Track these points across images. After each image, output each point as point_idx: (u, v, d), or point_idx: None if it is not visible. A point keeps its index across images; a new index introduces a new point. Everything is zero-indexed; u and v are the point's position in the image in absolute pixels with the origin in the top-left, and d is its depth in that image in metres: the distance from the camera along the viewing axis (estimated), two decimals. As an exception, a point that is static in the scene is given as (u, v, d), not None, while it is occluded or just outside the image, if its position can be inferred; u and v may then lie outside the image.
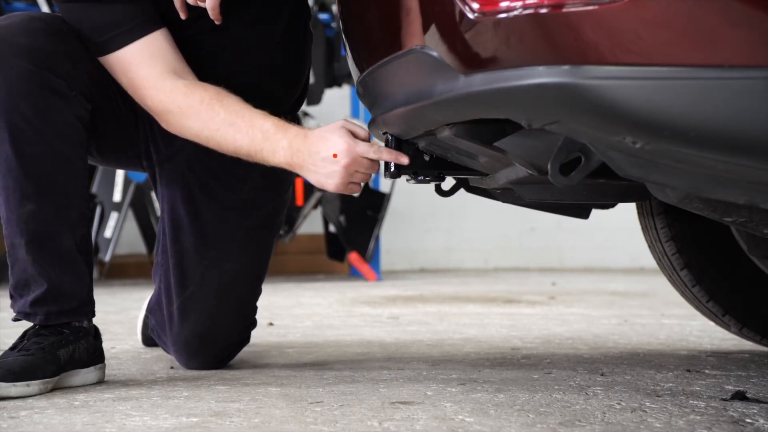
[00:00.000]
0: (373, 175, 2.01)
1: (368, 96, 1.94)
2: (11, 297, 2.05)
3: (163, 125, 2.08)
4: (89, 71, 2.06)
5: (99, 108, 2.10)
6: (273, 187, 2.28)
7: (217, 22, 2.06)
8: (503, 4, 1.45)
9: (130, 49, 2.04)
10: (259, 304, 2.36)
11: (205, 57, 2.16)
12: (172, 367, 2.31)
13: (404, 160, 1.95)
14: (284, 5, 2.22)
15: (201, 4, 2.04)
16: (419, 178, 2.05)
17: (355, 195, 1.94)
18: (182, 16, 2.07)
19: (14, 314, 2.06)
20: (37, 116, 1.98)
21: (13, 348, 2.02)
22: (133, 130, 2.21)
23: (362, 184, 2.03)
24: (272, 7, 2.20)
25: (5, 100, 1.96)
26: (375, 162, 2.00)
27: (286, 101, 2.30)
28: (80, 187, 2.05)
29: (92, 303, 2.10)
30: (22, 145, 1.97)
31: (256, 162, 2.04)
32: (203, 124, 2.03)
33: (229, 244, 2.22)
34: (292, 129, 2.01)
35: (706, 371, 2.24)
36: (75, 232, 2.04)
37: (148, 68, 2.04)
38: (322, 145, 1.98)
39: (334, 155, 1.97)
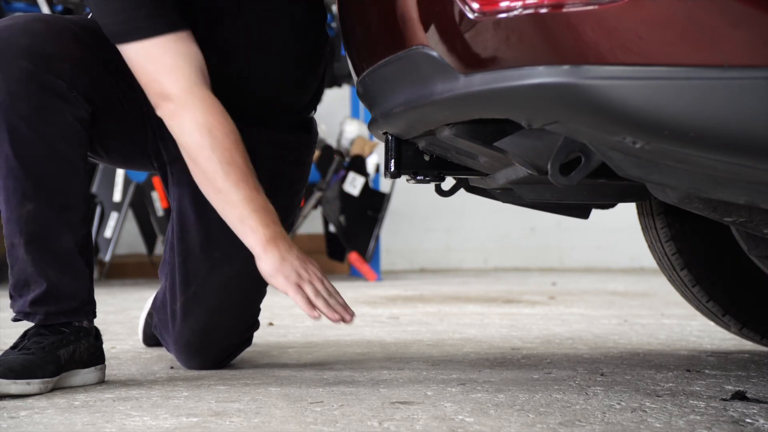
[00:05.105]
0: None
1: (368, 96, 1.94)
2: (11, 297, 2.06)
3: (159, 113, 2.05)
4: (91, 73, 2.06)
5: (102, 109, 2.10)
6: (280, 189, 2.28)
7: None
8: (503, 4, 1.45)
9: (171, 36, 2.02)
10: (260, 305, 2.36)
11: (220, 45, 2.17)
12: (172, 367, 2.31)
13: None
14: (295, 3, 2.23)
15: None
16: (419, 178, 2.05)
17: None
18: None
19: (14, 314, 2.06)
20: (37, 117, 1.98)
21: (13, 347, 2.02)
22: (140, 131, 2.21)
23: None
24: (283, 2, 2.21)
25: (5, 101, 1.97)
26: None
27: (298, 97, 2.32)
28: (80, 187, 2.06)
29: (93, 303, 2.10)
30: (21, 146, 1.98)
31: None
32: (195, 165, 2.03)
33: (234, 244, 2.21)
34: (272, 228, 2.02)
35: (706, 371, 2.24)
36: (75, 233, 2.04)
37: (182, 59, 2.02)
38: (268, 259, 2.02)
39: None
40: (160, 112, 2.05)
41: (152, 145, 2.25)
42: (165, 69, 2.01)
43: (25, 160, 1.98)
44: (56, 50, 2.01)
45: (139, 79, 2.04)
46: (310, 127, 2.39)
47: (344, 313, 1.98)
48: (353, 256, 5.88)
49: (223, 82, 2.11)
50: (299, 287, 1.99)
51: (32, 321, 2.04)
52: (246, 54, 2.21)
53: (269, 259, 2.00)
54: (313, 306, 1.98)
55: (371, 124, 1.97)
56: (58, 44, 2.02)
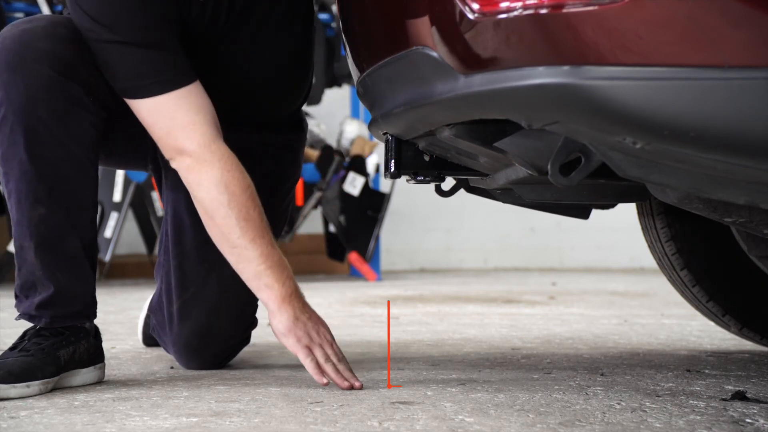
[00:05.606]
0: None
1: (368, 96, 1.95)
2: (16, 297, 2.06)
3: (174, 165, 2.04)
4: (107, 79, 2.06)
5: (113, 114, 2.10)
6: (274, 190, 2.29)
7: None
8: (503, 5, 1.45)
9: (183, 91, 2.01)
10: (260, 303, 2.36)
11: (227, 62, 2.18)
12: (172, 367, 2.31)
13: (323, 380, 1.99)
14: (300, 8, 2.25)
15: None
16: (419, 178, 2.05)
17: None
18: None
19: (18, 314, 2.06)
20: (55, 121, 1.98)
21: (13, 348, 2.02)
22: (142, 136, 2.21)
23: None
24: (291, 12, 2.22)
25: (25, 105, 1.96)
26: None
27: (295, 102, 2.34)
28: (91, 191, 2.06)
29: (95, 305, 2.11)
30: (37, 149, 1.97)
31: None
32: (211, 220, 2.02)
33: None
34: (287, 285, 2.03)
35: (706, 371, 2.24)
36: (83, 236, 2.04)
37: (195, 113, 2.01)
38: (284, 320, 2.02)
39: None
40: (175, 165, 2.04)
41: (151, 149, 2.25)
42: (179, 125, 2.00)
43: (40, 162, 1.98)
44: (76, 56, 2.00)
45: (152, 133, 2.03)
46: (302, 123, 2.41)
47: (353, 380, 1.99)
48: (353, 256, 5.88)
49: (225, 91, 2.11)
50: (309, 350, 1.99)
51: (37, 323, 2.04)
52: (248, 68, 2.21)
53: (283, 318, 2.01)
54: (321, 372, 1.99)
55: (371, 125, 1.97)
56: (79, 50, 2.00)
